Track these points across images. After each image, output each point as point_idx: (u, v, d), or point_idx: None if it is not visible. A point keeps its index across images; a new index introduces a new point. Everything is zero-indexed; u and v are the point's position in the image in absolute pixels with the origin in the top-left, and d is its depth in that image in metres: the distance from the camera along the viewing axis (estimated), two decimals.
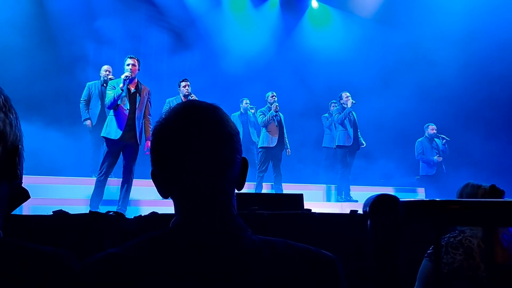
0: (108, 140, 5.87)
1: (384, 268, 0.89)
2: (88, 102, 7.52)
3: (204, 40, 10.69)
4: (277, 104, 8.06)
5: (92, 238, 2.55)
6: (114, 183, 7.01)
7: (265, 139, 8.11)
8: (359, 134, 8.56)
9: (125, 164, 5.95)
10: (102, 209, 5.20)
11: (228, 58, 10.44)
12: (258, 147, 8.25)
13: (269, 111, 8.08)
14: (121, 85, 5.80)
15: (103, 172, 5.90)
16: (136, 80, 6.00)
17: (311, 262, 1.01)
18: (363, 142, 8.61)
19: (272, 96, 8.17)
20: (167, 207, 4.85)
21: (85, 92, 7.55)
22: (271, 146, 8.02)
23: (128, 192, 6.00)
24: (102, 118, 7.50)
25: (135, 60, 5.97)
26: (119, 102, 5.83)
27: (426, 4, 10.20)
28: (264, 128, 8.14)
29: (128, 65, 5.89)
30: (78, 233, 2.56)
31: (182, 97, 7.23)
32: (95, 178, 6.05)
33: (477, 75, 9.74)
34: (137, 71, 5.96)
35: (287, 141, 8.29)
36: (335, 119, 8.54)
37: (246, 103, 8.98)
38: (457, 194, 2.52)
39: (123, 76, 5.86)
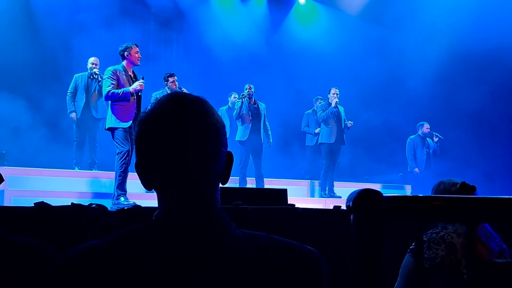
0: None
1: (367, 263, 0.89)
2: (74, 94, 7.39)
3: (191, 34, 10.64)
4: (245, 93, 7.86)
5: (74, 231, 2.53)
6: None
7: (239, 132, 7.98)
8: (343, 130, 8.45)
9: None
10: (101, 203, 5.06)
11: (214, 51, 10.41)
12: (235, 140, 8.04)
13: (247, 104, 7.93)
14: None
15: (125, 161, 5.34)
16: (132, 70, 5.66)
17: (295, 257, 1.01)
18: (344, 141, 8.50)
19: (248, 88, 7.94)
20: (151, 200, 4.83)
21: (72, 84, 7.43)
22: (243, 139, 7.89)
23: None
24: (86, 111, 7.43)
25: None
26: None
27: (412, 2, 10.26)
28: (238, 121, 8.02)
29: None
30: (60, 225, 2.53)
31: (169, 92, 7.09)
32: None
33: (461, 73, 9.83)
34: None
35: (269, 132, 8.15)
36: (318, 116, 8.53)
37: (235, 97, 8.69)
38: (432, 193, 2.53)
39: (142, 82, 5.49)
